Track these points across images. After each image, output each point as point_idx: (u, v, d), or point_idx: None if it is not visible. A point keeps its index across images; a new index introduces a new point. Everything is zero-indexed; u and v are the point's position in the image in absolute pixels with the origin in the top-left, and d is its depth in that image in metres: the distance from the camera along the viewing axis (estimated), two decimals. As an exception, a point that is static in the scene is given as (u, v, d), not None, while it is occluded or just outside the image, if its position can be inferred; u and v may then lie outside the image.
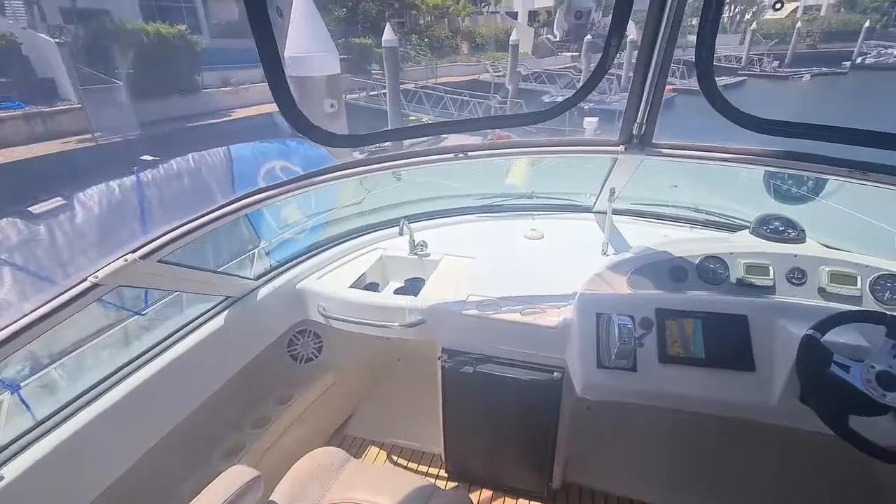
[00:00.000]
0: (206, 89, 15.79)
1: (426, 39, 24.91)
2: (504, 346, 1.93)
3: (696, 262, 1.86)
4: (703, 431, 1.65)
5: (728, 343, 1.63)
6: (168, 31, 14.60)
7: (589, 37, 21.39)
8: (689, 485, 2.11)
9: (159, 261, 1.52)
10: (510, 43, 20.44)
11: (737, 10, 32.78)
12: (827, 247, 1.96)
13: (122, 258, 1.40)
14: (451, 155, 1.79)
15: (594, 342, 1.70)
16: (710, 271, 1.84)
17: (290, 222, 3.26)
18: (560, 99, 1.67)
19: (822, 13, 33.34)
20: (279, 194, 1.78)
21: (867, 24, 30.19)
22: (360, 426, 2.65)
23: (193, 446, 1.93)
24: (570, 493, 2.22)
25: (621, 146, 1.69)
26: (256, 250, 2.53)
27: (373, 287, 2.36)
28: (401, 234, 2.36)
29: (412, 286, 2.31)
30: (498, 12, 30.55)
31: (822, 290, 1.74)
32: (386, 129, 1.86)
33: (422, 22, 26.46)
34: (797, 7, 33.75)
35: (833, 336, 1.41)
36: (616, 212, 2.83)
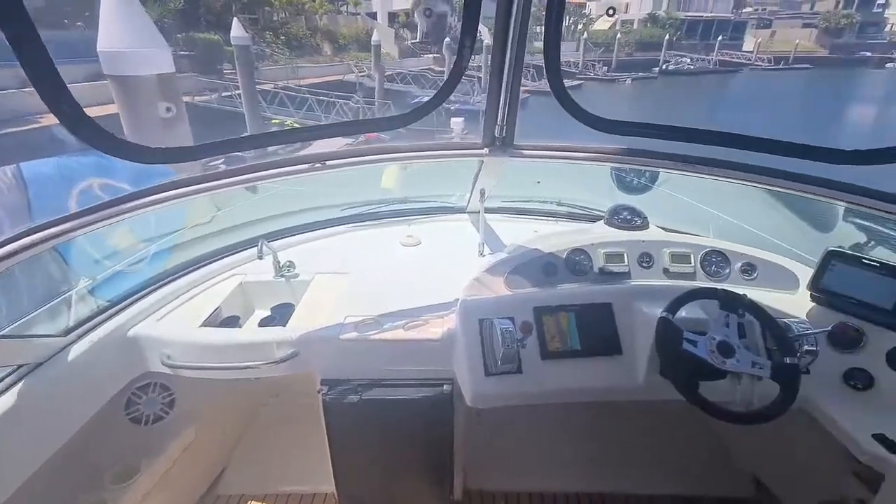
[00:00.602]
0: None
1: (282, 37, 23.41)
2: (389, 367, 1.80)
3: (564, 255, 1.95)
4: (589, 416, 1.74)
5: (598, 331, 1.73)
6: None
7: (448, 39, 22.27)
8: (583, 467, 2.23)
9: None
10: (372, 43, 20.26)
11: (571, 20, 37.11)
12: (665, 230, 2.22)
13: None
14: (307, 165, 1.59)
15: (479, 350, 1.66)
16: (577, 263, 1.94)
17: (123, 252, 2.70)
18: (426, 100, 1.60)
19: (635, 27, 39.55)
20: (97, 220, 1.39)
21: (667, 37, 36.70)
22: (236, 480, 2.29)
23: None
24: (472, 500, 2.19)
25: (485, 148, 1.68)
26: (74, 293, 2.01)
27: (232, 322, 2.03)
28: (259, 256, 2.07)
29: (280, 314, 2.04)
30: (358, 13, 30.09)
31: (666, 271, 1.95)
32: (228, 138, 1.57)
33: (276, 18, 24.79)
34: (616, 21, 39.52)
35: (681, 313, 1.56)
36: (488, 210, 2.88)
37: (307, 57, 24.17)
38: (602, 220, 2.19)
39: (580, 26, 37.29)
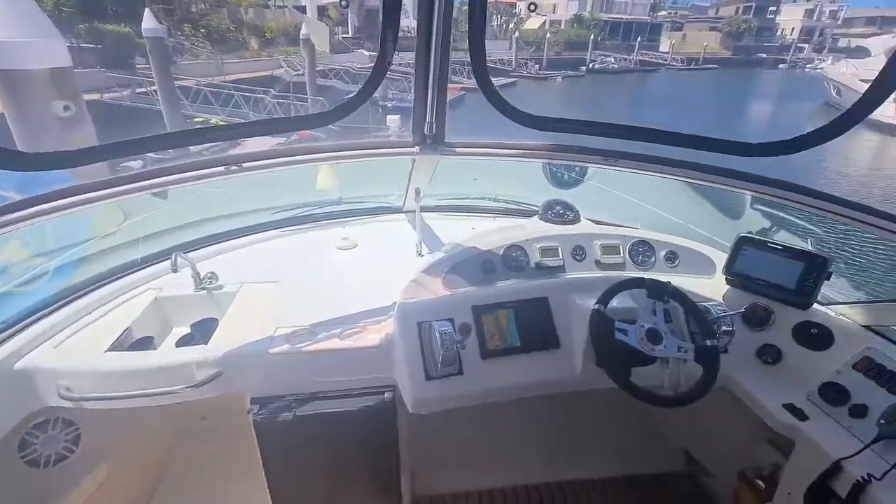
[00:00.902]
0: None
1: (202, 30, 21.90)
2: (326, 379, 1.71)
3: (501, 252, 1.95)
4: (533, 409, 1.75)
5: (536, 326, 1.74)
6: None
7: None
8: (530, 459, 2.26)
9: None
10: (301, 37, 19.47)
11: (502, 19, 37.98)
12: (595, 222, 2.29)
13: None
14: (222, 168, 1.46)
15: (419, 354, 1.62)
16: (514, 259, 1.95)
17: (10, 271, 2.38)
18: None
19: (563, 27, 41.24)
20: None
21: (592, 37, 38.60)
22: None
23: None
24: None
25: (416, 147, 1.63)
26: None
27: (145, 343, 1.83)
28: (174, 269, 1.89)
29: (202, 331, 1.87)
30: (286, 6, 28.83)
31: (598, 262, 2.02)
32: (132, 138, 1.40)
33: (194, 10, 23.14)
34: (545, 21, 40.98)
35: (613, 303, 1.60)
36: (426, 209, 2.84)
37: (233, 52, 22.83)
38: (537, 216, 2.22)
39: (511, 25, 38.27)
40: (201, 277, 2.00)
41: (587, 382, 1.69)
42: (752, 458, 1.85)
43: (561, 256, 1.98)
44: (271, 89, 17.06)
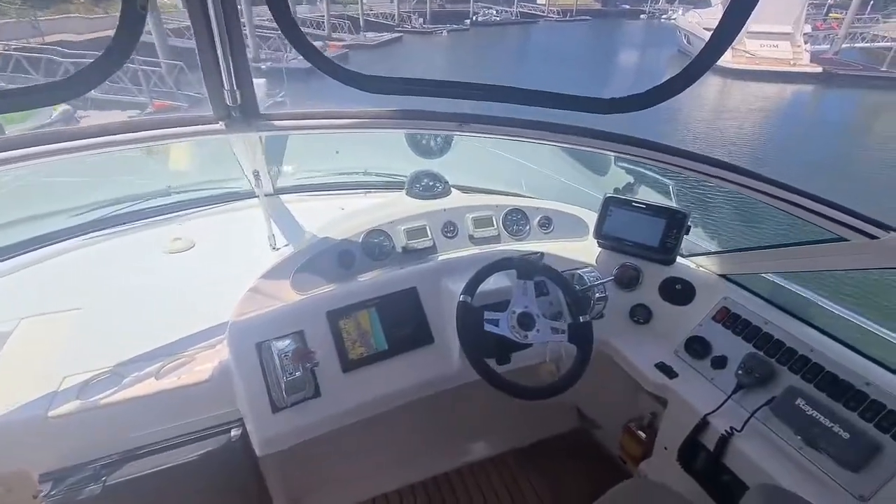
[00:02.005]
0: None
1: (4, -21, 17.46)
2: (147, 430, 1.34)
3: (361, 240, 1.68)
4: (418, 406, 1.56)
5: (406, 322, 1.53)
6: None
7: (243, -13, 19.28)
8: (423, 455, 2.10)
9: None
10: (142, -11, 16.35)
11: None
12: (467, 190, 2.11)
13: None
14: None
15: (262, 382, 1.32)
16: (376, 247, 1.70)
17: None
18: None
19: (444, -24, 40.08)
20: None
21: (473, -12, 38.15)
22: None
23: None
24: None
25: (219, 123, 1.25)
26: None
27: None
28: None
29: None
30: (115, -52, 23.91)
31: (471, 237, 1.84)
32: None
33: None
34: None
35: (484, 287, 1.43)
36: (283, 191, 2.45)
37: (54, 7, 18.68)
38: (404, 191, 1.97)
39: (390, -25, 36.21)
40: (-52, 321, 1.46)
41: (466, 376, 1.53)
42: (636, 409, 1.89)
43: (430, 236, 1.77)
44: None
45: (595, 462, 2.17)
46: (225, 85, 1.18)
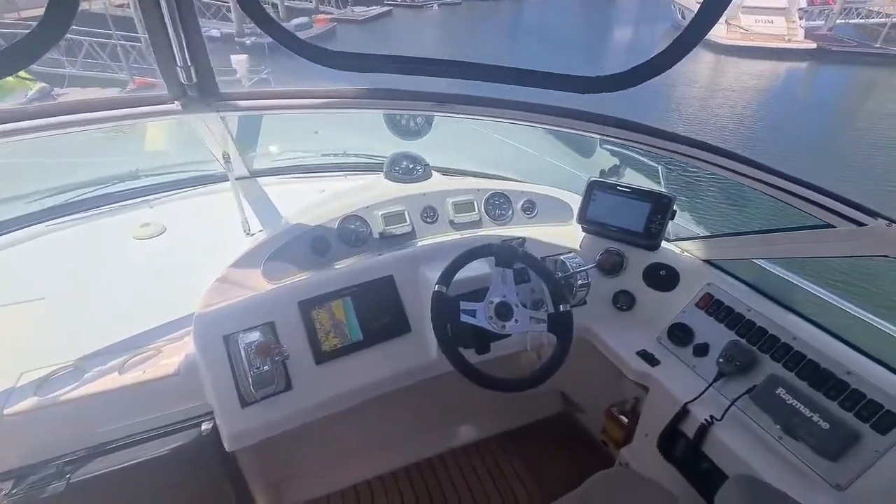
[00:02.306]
0: None
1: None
2: (113, 425, 1.30)
3: (336, 226, 1.62)
4: (401, 393, 1.53)
5: (382, 311, 1.48)
6: None
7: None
8: (409, 440, 2.09)
9: None
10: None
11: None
12: (449, 173, 2.03)
13: None
14: None
15: (230, 376, 1.27)
16: (352, 233, 1.63)
17: None
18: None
19: (434, -52, 38.69)
20: None
21: (464, -40, 36.94)
22: None
23: None
24: None
25: (174, 102, 1.16)
26: None
27: None
28: None
29: None
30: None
31: (452, 223, 1.78)
32: None
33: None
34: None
35: (461, 275, 1.38)
36: (260, 173, 2.36)
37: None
38: (382, 174, 1.90)
39: (379, -55, 34.91)
40: None
41: (445, 365, 1.49)
42: (619, 393, 1.88)
43: (409, 221, 1.71)
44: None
45: (580, 446, 2.17)
46: (177, 61, 1.09)
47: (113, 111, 1.19)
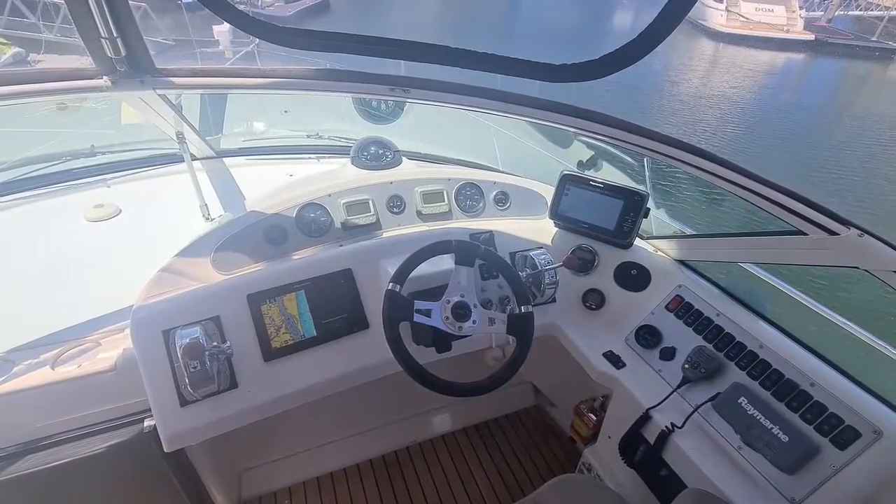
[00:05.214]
0: None
1: None
2: (47, 421, 1.23)
3: (294, 214, 1.53)
4: (359, 391, 1.47)
5: (339, 306, 1.41)
6: None
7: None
8: (376, 432, 2.05)
9: None
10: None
11: None
12: (419, 158, 1.94)
13: None
14: None
15: (169, 374, 1.20)
16: (312, 222, 1.55)
17: None
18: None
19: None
20: None
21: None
22: None
23: None
24: None
25: (104, 78, 1.06)
26: None
27: None
28: None
29: None
30: None
31: (419, 213, 1.70)
32: None
33: None
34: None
35: (419, 271, 1.31)
36: (227, 153, 2.25)
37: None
38: (349, 160, 1.80)
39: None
40: None
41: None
42: (589, 390, 1.85)
43: (374, 211, 1.63)
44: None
45: (549, 441, 2.15)
46: (101, 32, 0.98)
47: (38, 85, 1.08)
